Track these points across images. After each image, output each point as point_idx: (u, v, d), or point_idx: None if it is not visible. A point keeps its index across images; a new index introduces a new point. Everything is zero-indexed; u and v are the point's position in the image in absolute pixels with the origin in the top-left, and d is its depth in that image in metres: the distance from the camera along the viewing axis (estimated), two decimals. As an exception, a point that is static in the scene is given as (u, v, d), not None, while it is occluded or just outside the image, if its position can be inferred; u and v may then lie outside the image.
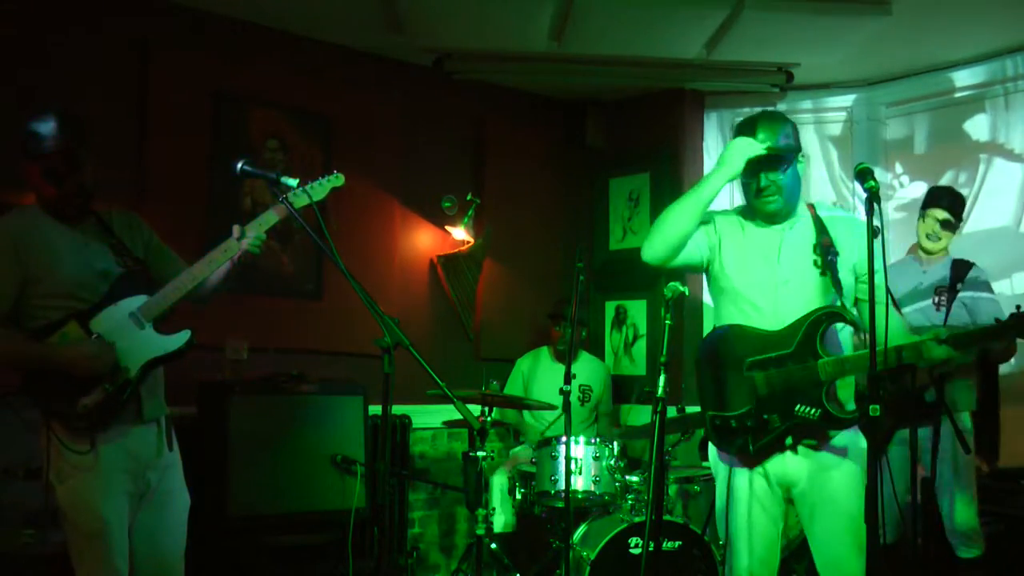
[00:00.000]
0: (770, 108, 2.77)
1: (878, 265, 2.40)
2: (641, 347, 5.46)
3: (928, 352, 2.51)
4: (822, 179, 5.30)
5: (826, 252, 2.66)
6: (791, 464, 2.69)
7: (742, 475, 2.75)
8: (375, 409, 4.32)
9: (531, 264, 5.55)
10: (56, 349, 2.58)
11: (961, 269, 3.86)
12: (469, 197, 5.28)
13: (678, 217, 2.78)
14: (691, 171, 5.39)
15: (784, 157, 2.68)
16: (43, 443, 2.61)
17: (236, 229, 2.74)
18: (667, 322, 2.83)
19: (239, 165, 2.66)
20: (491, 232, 5.29)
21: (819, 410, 2.58)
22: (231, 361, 4.17)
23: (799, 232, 2.74)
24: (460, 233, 5.20)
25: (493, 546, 4.29)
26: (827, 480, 2.65)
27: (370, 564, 4.28)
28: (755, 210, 2.79)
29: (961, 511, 3.70)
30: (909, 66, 4.94)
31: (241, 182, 4.39)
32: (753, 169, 2.71)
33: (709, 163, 5.46)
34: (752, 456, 2.69)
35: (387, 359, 2.48)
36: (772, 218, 2.76)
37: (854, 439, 2.68)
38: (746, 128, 2.74)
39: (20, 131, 2.63)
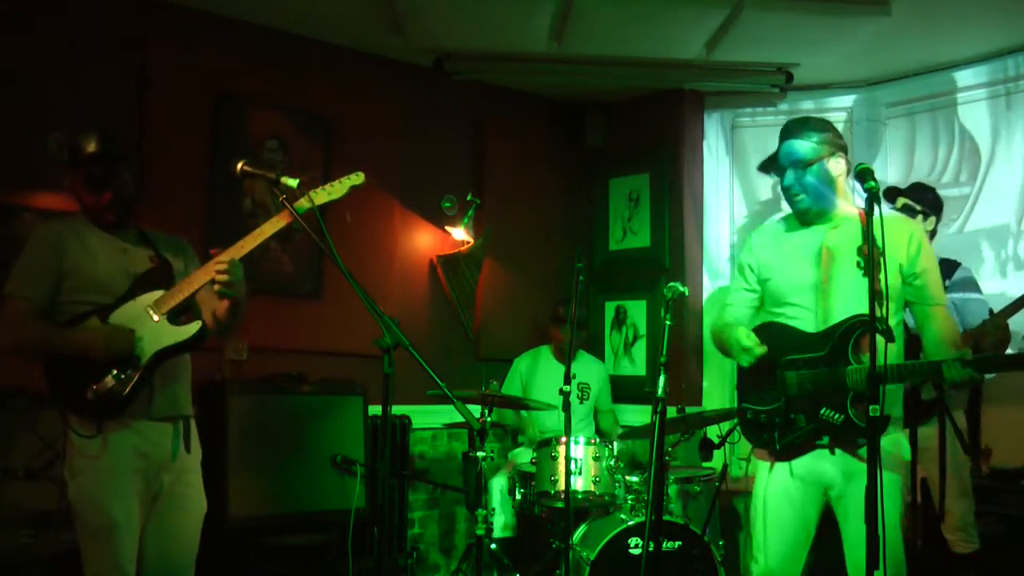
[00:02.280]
0: (801, 117, 2.92)
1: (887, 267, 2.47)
2: (641, 347, 5.46)
3: (950, 372, 2.51)
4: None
5: (869, 257, 2.64)
6: (826, 465, 2.71)
7: (764, 471, 2.79)
8: (375, 409, 4.32)
9: (531, 264, 5.55)
10: (75, 333, 2.65)
11: (948, 269, 3.85)
12: (469, 197, 5.28)
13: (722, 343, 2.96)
14: (691, 171, 5.39)
15: (794, 163, 2.78)
16: (63, 436, 2.66)
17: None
18: (667, 322, 2.84)
19: (239, 165, 2.67)
20: (491, 232, 5.29)
21: (842, 416, 2.62)
22: (231, 361, 4.17)
23: (843, 234, 2.77)
24: (460, 233, 5.20)
25: (493, 546, 4.29)
26: (862, 486, 2.62)
27: (370, 564, 4.28)
28: (794, 213, 2.88)
29: (956, 508, 3.70)
30: (909, 66, 4.94)
31: (241, 182, 4.39)
32: (780, 170, 2.81)
33: (709, 163, 5.46)
34: (780, 452, 2.74)
35: (387, 359, 2.48)
36: (804, 216, 2.82)
37: (893, 448, 2.70)
38: (782, 134, 2.86)
39: (59, 146, 2.79)
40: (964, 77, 4.82)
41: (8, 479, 3.47)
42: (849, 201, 2.85)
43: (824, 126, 2.84)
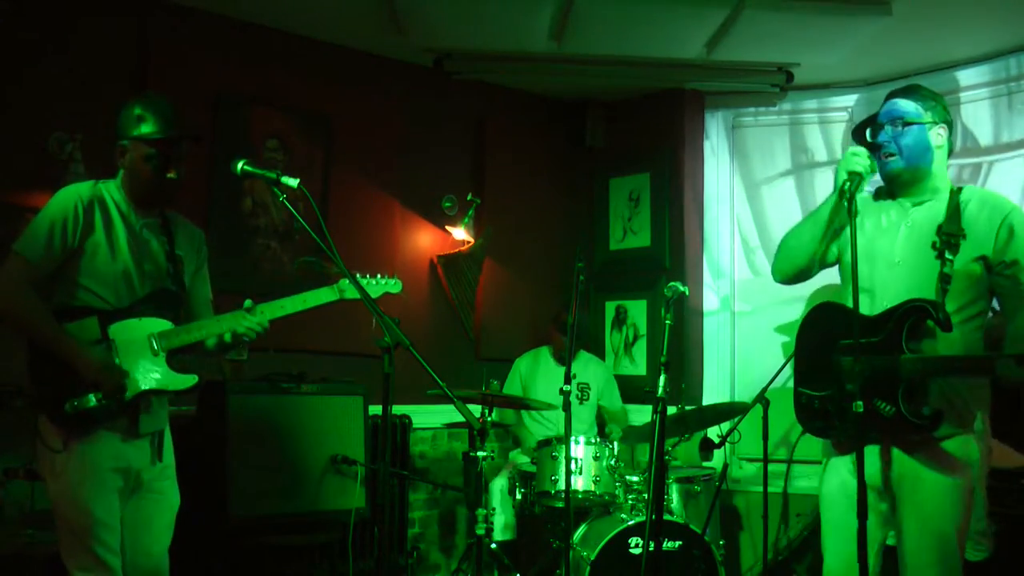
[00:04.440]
0: (912, 83, 2.76)
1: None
2: (641, 347, 5.46)
3: (1003, 370, 2.33)
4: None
5: (946, 238, 2.50)
6: (885, 464, 2.53)
7: (833, 470, 2.63)
8: (375, 409, 4.32)
9: (531, 264, 5.55)
10: (72, 342, 2.59)
11: None
12: (469, 197, 5.28)
13: (797, 239, 2.71)
14: (691, 171, 5.39)
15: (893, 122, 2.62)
16: (36, 436, 2.64)
17: (247, 303, 2.81)
18: (667, 322, 2.83)
19: (239, 165, 2.66)
20: (491, 232, 5.29)
21: (894, 409, 2.42)
22: (231, 361, 4.17)
23: (927, 211, 2.60)
24: (460, 233, 5.20)
25: (493, 546, 4.29)
26: (919, 489, 2.49)
27: (370, 564, 4.28)
28: (882, 176, 2.66)
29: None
30: (910, 66, 4.93)
31: (241, 182, 4.39)
32: (876, 131, 2.65)
33: (711, 163, 5.46)
34: (839, 446, 2.60)
35: (387, 359, 2.49)
36: (893, 182, 2.63)
37: (963, 447, 2.50)
38: (889, 95, 2.71)
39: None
40: (966, 76, 4.82)
41: (8, 479, 3.47)
42: (943, 178, 2.66)
43: (934, 95, 2.67)
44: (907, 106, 2.62)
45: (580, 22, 4.49)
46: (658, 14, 4.40)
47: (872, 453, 2.54)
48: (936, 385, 2.48)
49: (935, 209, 2.60)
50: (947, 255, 2.49)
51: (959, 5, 4.18)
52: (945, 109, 2.66)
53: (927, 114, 2.62)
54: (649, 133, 5.53)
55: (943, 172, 2.66)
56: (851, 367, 2.43)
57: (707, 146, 5.46)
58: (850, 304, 2.50)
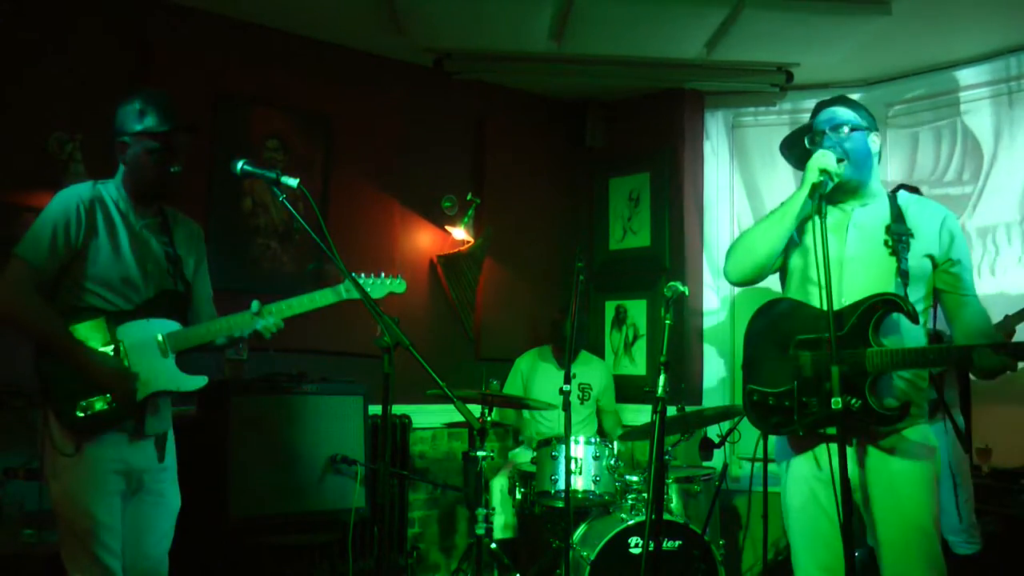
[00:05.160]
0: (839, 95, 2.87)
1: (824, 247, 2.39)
2: (641, 347, 5.46)
3: (980, 360, 2.34)
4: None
5: (897, 236, 2.57)
6: (852, 464, 2.48)
7: (797, 477, 2.61)
8: (375, 409, 4.32)
9: (531, 264, 5.55)
10: (84, 348, 2.59)
11: None
12: (469, 197, 5.28)
13: (763, 235, 2.70)
14: (691, 171, 5.40)
15: (844, 125, 2.67)
16: (42, 436, 2.63)
17: (254, 305, 2.84)
18: (667, 322, 2.83)
19: (239, 165, 2.66)
20: (491, 232, 5.29)
21: (860, 401, 2.43)
22: (231, 361, 4.17)
23: (872, 212, 2.66)
24: (460, 233, 5.20)
25: (493, 546, 4.29)
26: (893, 483, 2.50)
27: (370, 564, 4.28)
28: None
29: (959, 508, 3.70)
30: (910, 66, 4.94)
31: (241, 182, 4.39)
32: (814, 138, 2.71)
33: (711, 162, 5.46)
34: (798, 442, 2.58)
35: (387, 359, 2.48)
36: (839, 187, 2.62)
37: (923, 435, 2.53)
38: (819, 106, 2.77)
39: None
40: (966, 76, 4.82)
41: (8, 479, 3.47)
42: (879, 183, 2.73)
43: (861, 105, 2.75)
44: (847, 114, 2.69)
45: (580, 22, 4.49)
46: (658, 14, 4.40)
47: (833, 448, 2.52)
48: (899, 377, 2.54)
49: (877, 211, 2.67)
50: (901, 252, 2.56)
51: (959, 5, 4.18)
52: (873, 118, 2.77)
53: (865, 120, 2.70)
54: (649, 133, 5.53)
55: (878, 177, 2.75)
56: (813, 361, 2.48)
57: (707, 146, 5.47)
58: (806, 298, 2.60)
